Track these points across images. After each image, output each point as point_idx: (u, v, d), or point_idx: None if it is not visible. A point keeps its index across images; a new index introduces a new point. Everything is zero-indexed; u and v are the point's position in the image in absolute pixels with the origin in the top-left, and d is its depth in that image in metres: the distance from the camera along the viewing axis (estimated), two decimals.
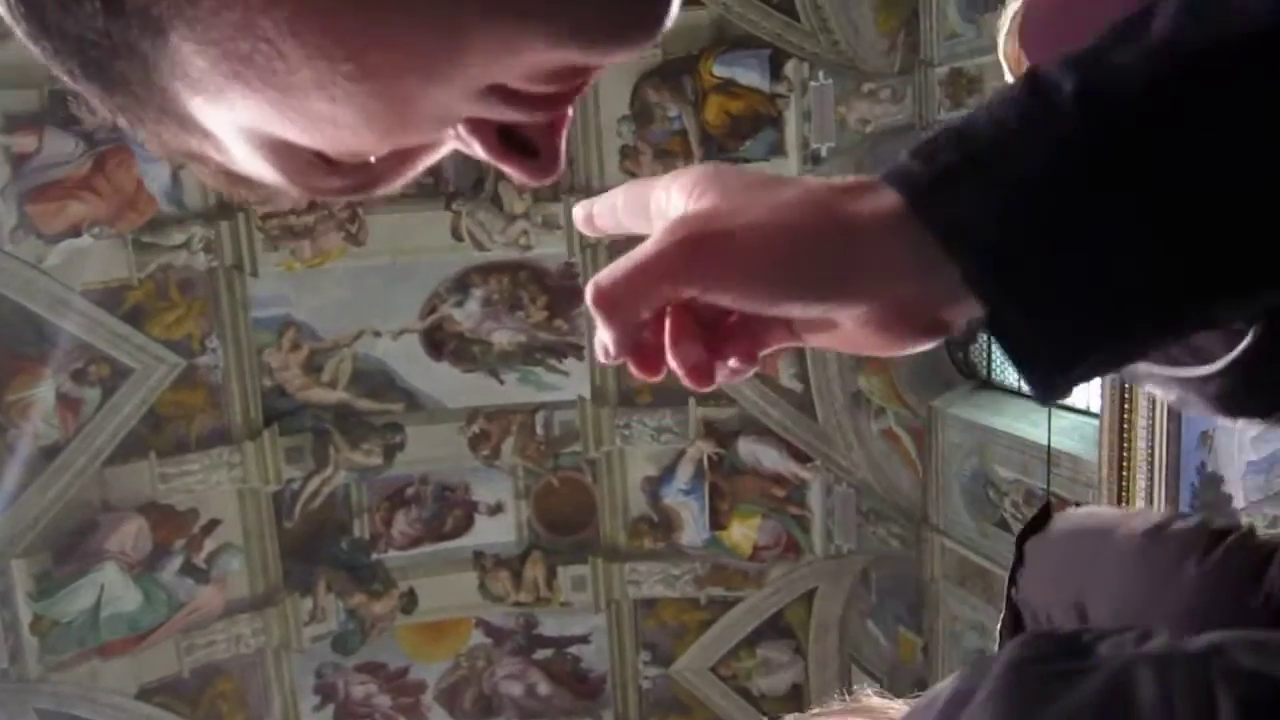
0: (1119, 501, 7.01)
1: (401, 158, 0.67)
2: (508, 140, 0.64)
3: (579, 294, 11.11)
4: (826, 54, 9.89)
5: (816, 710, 0.98)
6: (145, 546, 10.44)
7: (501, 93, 0.59)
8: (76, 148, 9.53)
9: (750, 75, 10.19)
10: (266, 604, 11.15)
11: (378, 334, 11.07)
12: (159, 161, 9.79)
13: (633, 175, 10.42)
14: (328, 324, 10.92)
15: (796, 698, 11.71)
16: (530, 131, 0.64)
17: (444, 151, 0.70)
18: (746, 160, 10.38)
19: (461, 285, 11.09)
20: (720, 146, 10.37)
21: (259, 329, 10.69)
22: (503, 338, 11.27)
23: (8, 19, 0.57)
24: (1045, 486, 7.96)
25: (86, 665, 10.16)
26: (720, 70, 10.19)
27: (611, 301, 0.62)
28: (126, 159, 9.67)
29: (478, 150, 0.64)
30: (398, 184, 0.71)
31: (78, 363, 9.86)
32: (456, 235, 10.78)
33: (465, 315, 11.16)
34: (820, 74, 10.00)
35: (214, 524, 10.84)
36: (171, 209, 10.03)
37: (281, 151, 0.61)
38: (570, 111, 0.65)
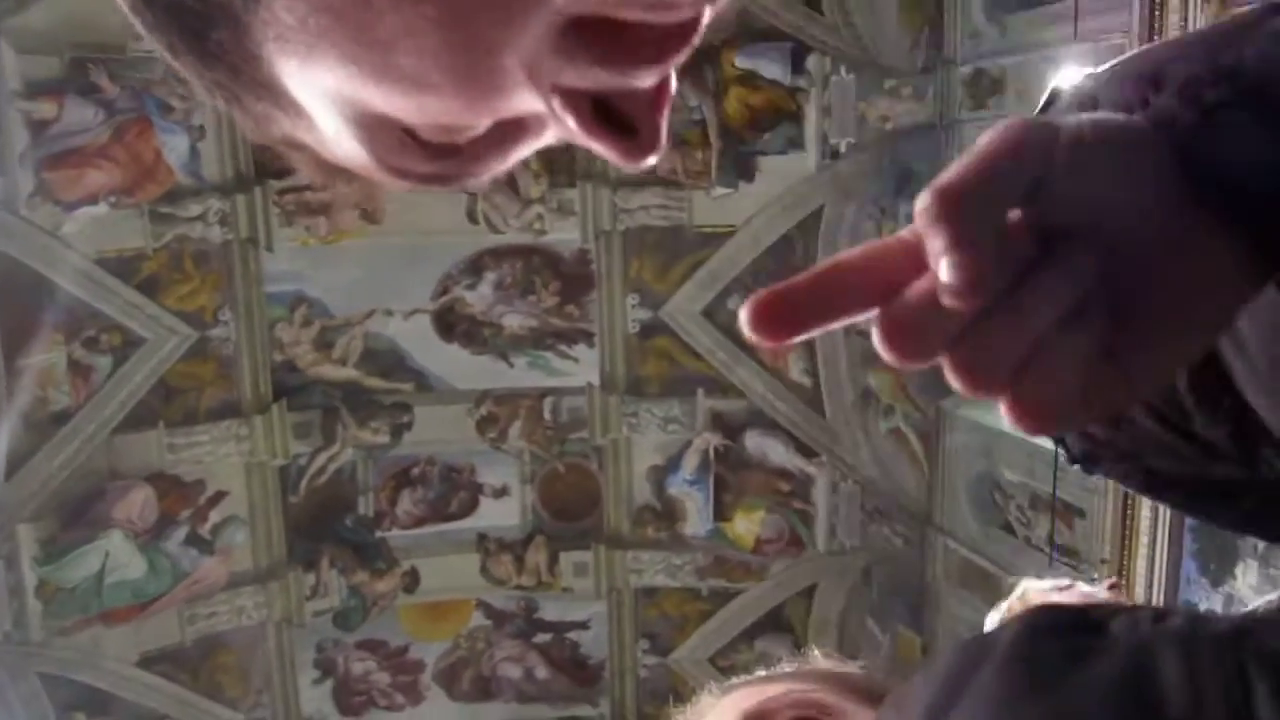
0: (1124, 507, 7.00)
1: (496, 140, 0.62)
2: (604, 116, 0.58)
3: (591, 280, 11.14)
4: (849, 49, 9.86)
5: (765, 673, 0.95)
6: (151, 516, 10.49)
7: (594, 34, 0.53)
8: (96, 116, 9.56)
9: (772, 68, 10.16)
10: (270, 578, 11.20)
11: (390, 313, 11.09)
12: (178, 132, 9.81)
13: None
14: (340, 301, 10.94)
15: None
16: (629, 107, 0.58)
17: (542, 140, 0.63)
18: (763, 154, 10.35)
19: (475, 268, 11.10)
20: (739, 139, 10.36)
21: (272, 304, 10.71)
22: (514, 322, 11.28)
23: None
24: (1052, 490, 7.94)
25: (89, 632, 10.22)
26: (742, 62, 10.16)
27: (966, 202, 0.48)
28: (146, 129, 9.70)
29: (571, 125, 0.58)
30: (490, 171, 0.64)
31: (90, 330, 9.91)
32: (472, 218, 10.79)
33: (477, 298, 11.17)
34: (842, 69, 9.97)
35: (220, 496, 10.89)
36: (189, 180, 10.05)
37: (371, 126, 0.58)
38: (674, 84, 0.59)
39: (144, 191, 9.86)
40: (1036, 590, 1.68)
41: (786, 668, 0.97)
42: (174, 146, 9.87)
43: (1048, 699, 0.54)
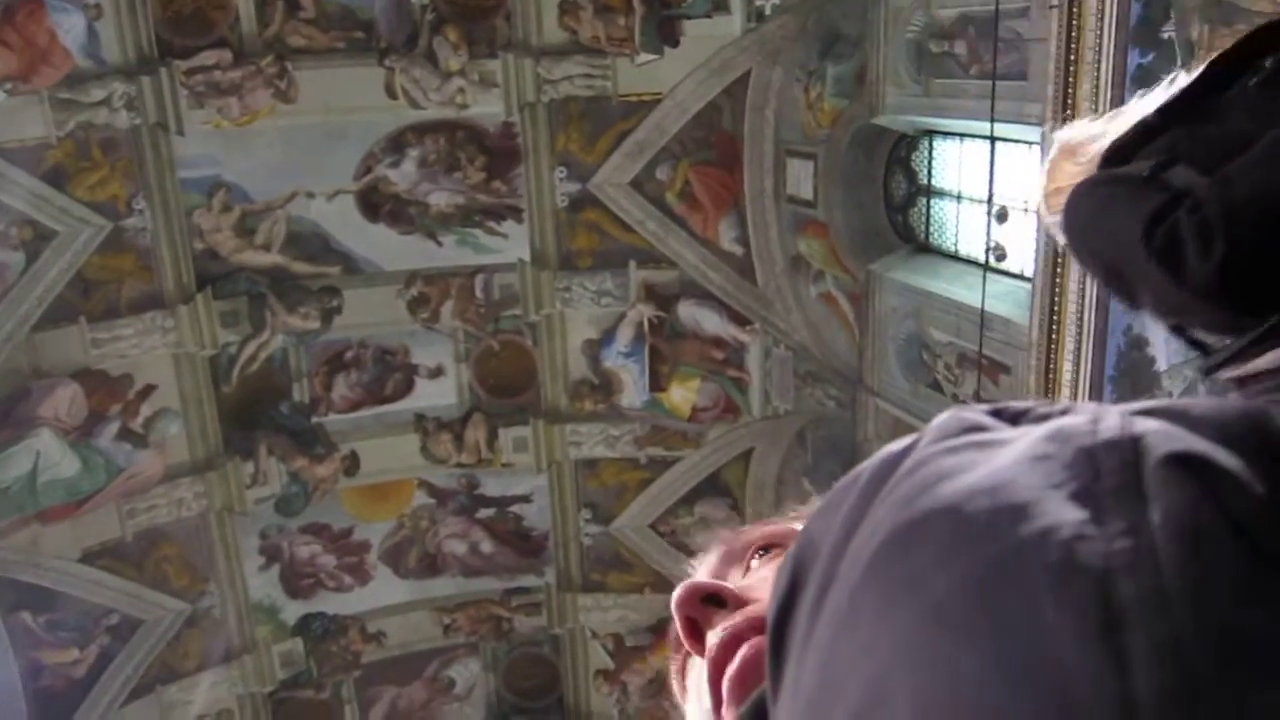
0: (1047, 362, 7.20)
1: None
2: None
3: (518, 154, 10.94)
4: None
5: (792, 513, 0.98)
6: (80, 413, 10.32)
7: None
8: None
9: None
10: (207, 468, 11.15)
11: (311, 195, 10.82)
12: (72, 12, 9.31)
13: (572, 32, 10.14)
14: (259, 185, 10.64)
15: None
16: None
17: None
18: (687, 18, 10.13)
19: (397, 145, 10.82)
20: (663, 3, 10.11)
21: (188, 190, 10.38)
22: (440, 199, 11.08)
23: None
24: (978, 349, 8.14)
25: (26, 531, 10.14)
26: None
27: None
28: (37, 10, 9.18)
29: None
30: None
31: None
32: (390, 93, 10.47)
33: (401, 176, 10.93)
34: None
35: (150, 389, 10.73)
36: (89, 64, 9.58)
37: None
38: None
39: (41, 77, 9.38)
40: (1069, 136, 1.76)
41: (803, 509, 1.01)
42: (69, 27, 9.36)
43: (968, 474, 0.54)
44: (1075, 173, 1.65)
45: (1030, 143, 7.62)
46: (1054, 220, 1.68)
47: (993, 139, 7.88)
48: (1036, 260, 7.29)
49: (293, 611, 12.26)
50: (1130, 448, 0.51)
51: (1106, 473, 0.50)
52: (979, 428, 0.59)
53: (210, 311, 10.73)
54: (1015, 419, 0.59)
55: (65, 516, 10.38)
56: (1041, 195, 1.75)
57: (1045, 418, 0.58)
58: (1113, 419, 0.54)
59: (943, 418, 0.62)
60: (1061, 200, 1.63)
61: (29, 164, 9.56)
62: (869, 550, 0.54)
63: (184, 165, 10.28)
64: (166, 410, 10.85)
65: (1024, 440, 0.55)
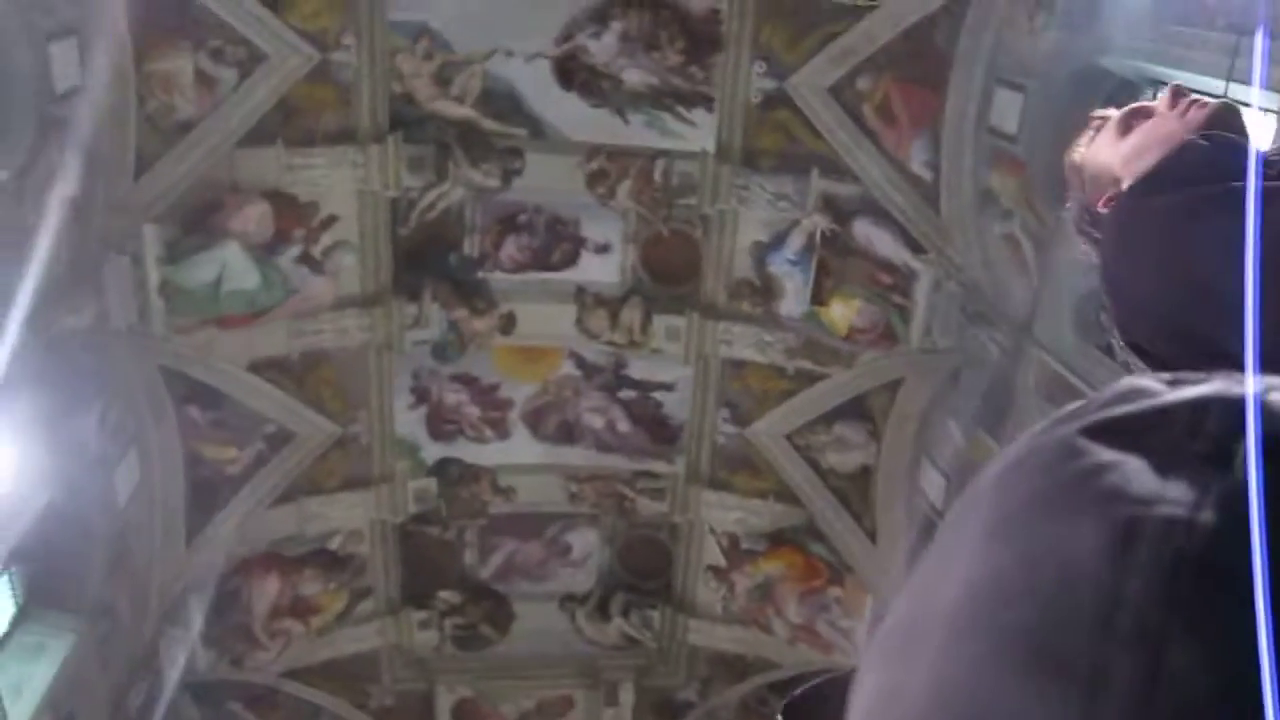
0: None
1: None
2: None
3: (719, 42, 10.74)
4: None
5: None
6: (267, 231, 10.85)
7: None
8: None
9: None
10: (374, 304, 11.63)
11: (510, 54, 10.90)
12: None
13: None
14: (463, 37, 10.77)
15: (865, 478, 12.01)
16: None
17: None
18: None
19: (601, 15, 10.76)
20: None
21: (394, 32, 10.59)
22: (634, 77, 11.01)
23: None
24: None
25: (205, 332, 10.83)
26: None
27: None
28: None
29: None
30: None
31: (216, 41, 9.96)
32: None
33: (600, 48, 10.89)
34: None
35: (333, 220, 11.18)
36: None
37: None
38: None
39: None
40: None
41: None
42: None
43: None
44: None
45: (1268, 110, 7.03)
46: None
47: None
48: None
49: (432, 452, 12.83)
50: (1239, 416, 0.56)
51: (1202, 436, 0.56)
52: (1142, 392, 0.63)
53: (399, 154, 11.04)
54: (1177, 384, 0.64)
55: (241, 325, 11.02)
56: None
57: (1189, 382, 0.63)
58: (1245, 387, 0.58)
59: (1121, 384, 0.66)
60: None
61: None
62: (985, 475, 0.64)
63: (395, 7, 10.47)
64: (345, 243, 11.31)
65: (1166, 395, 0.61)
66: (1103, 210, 1.47)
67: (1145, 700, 0.48)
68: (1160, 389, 0.62)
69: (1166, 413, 0.59)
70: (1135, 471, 0.55)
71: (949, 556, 0.61)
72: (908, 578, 0.65)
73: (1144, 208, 1.36)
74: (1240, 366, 0.99)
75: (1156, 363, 1.35)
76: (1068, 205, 1.58)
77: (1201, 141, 1.39)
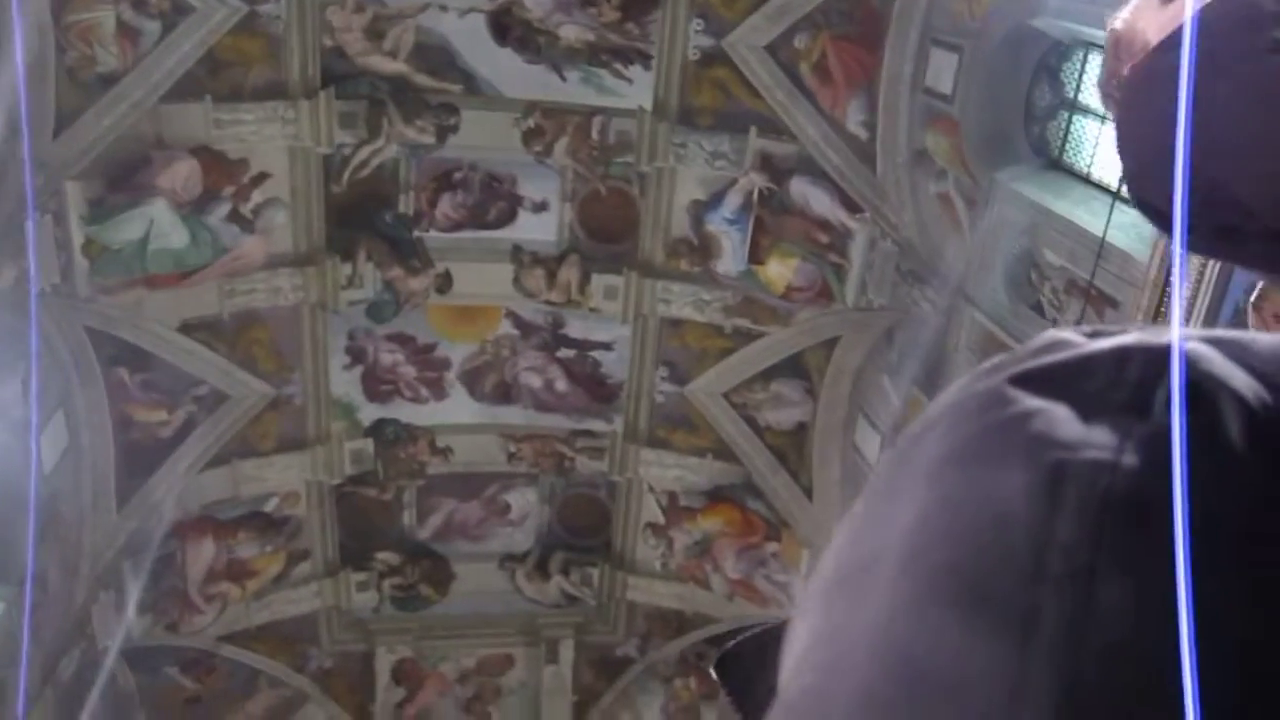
0: (1159, 303, 6.96)
1: None
2: None
3: None
4: None
5: None
6: (195, 188, 10.60)
7: None
8: None
9: None
10: (307, 263, 11.44)
11: (444, 9, 10.72)
12: None
13: None
14: None
15: (801, 435, 12.16)
16: None
17: None
18: None
19: None
20: None
21: None
22: (571, 33, 10.90)
23: None
24: (1089, 278, 7.88)
25: (133, 293, 10.58)
26: None
27: None
28: None
29: None
30: None
31: None
32: None
33: (536, 3, 10.75)
34: None
35: (263, 176, 10.95)
36: None
37: None
38: None
39: None
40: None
41: None
42: None
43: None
44: None
45: None
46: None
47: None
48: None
49: (369, 413, 12.72)
50: (1159, 364, 0.58)
51: (1123, 384, 0.59)
52: (1064, 344, 0.65)
53: (330, 110, 10.82)
54: (1096, 335, 0.66)
55: (169, 285, 10.79)
56: None
57: (1112, 334, 0.65)
58: (1164, 337, 0.60)
59: (1044, 337, 0.68)
60: None
61: None
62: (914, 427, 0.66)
63: None
64: (276, 200, 11.10)
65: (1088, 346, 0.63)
66: (1127, 74, 1.51)
67: (1077, 637, 0.50)
68: (1081, 340, 0.64)
69: (1089, 361, 0.61)
70: (1061, 418, 0.57)
71: (880, 504, 0.63)
72: (839, 527, 0.66)
73: (1162, 63, 1.40)
74: (1251, 213, 1.08)
75: (1168, 223, 1.40)
76: (1100, 75, 1.62)
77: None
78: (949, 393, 0.67)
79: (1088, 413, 0.57)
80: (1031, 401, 0.59)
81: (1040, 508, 0.54)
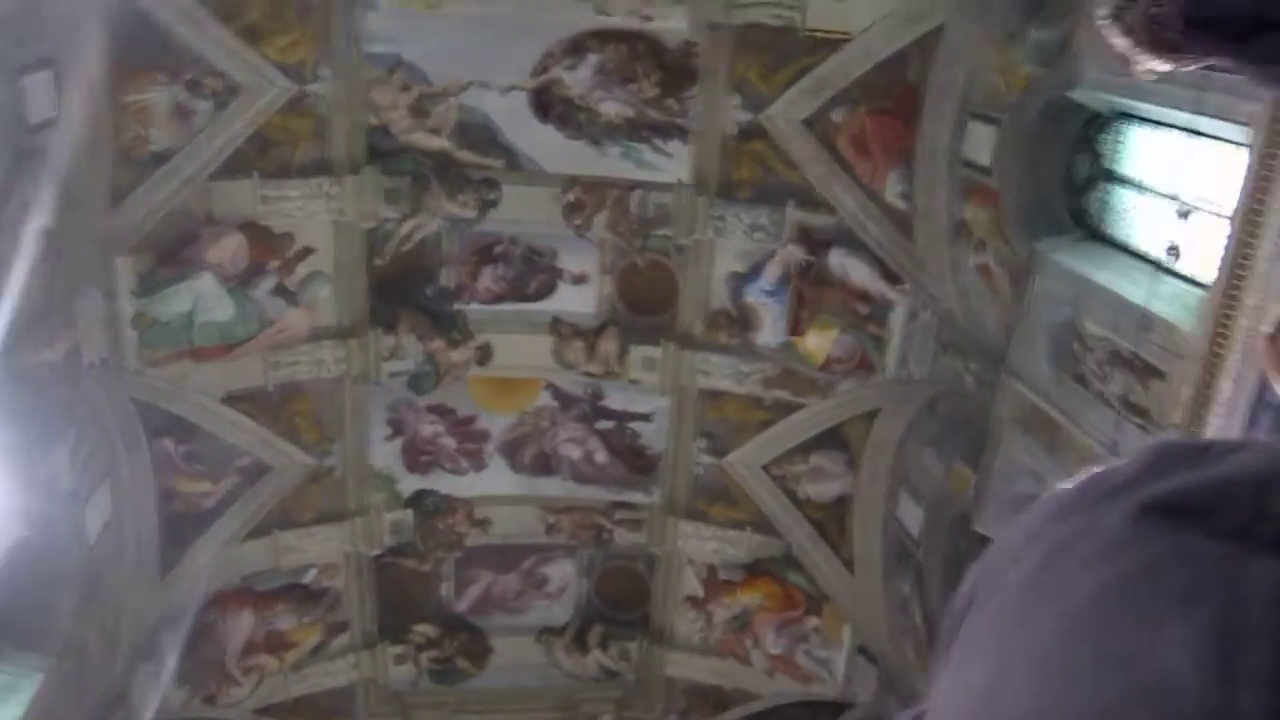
0: (1207, 376, 6.85)
1: None
2: None
3: (694, 74, 10.82)
4: None
5: None
6: (242, 262, 10.81)
7: None
8: None
9: None
10: (350, 335, 11.59)
11: (486, 86, 10.94)
12: None
13: None
14: (439, 69, 10.81)
15: (842, 508, 12.02)
16: None
17: None
18: None
19: (577, 48, 10.82)
20: None
21: (370, 64, 10.62)
22: (611, 109, 11.08)
23: None
24: (1132, 348, 7.79)
25: (179, 365, 10.75)
26: None
27: None
28: None
29: None
30: None
31: (192, 73, 9.95)
32: None
33: (576, 80, 10.95)
34: None
35: (308, 251, 11.16)
36: None
37: None
38: None
39: None
40: None
41: None
42: None
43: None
44: None
45: (1235, 142, 7.14)
46: None
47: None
48: (1221, 268, 6.86)
49: (408, 484, 12.75)
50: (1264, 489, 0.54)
51: (1271, 518, 0.53)
52: (1183, 457, 0.61)
53: (375, 185, 11.04)
54: (1211, 447, 0.62)
55: (215, 357, 10.96)
56: None
57: (1230, 451, 0.60)
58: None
59: (1155, 448, 0.64)
60: None
61: (227, 16, 9.90)
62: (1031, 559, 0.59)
63: (370, 39, 10.50)
64: (320, 274, 11.28)
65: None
66: None
67: None
68: (1198, 452, 0.59)
69: (1228, 489, 0.55)
70: (1212, 563, 0.52)
71: (1008, 649, 0.57)
72: (947, 665, 0.61)
73: None
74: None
75: (1228, 33, 1.39)
76: None
77: None
78: (1062, 512, 0.61)
79: (1241, 555, 0.51)
80: (1172, 540, 0.53)
81: (1215, 678, 0.48)
